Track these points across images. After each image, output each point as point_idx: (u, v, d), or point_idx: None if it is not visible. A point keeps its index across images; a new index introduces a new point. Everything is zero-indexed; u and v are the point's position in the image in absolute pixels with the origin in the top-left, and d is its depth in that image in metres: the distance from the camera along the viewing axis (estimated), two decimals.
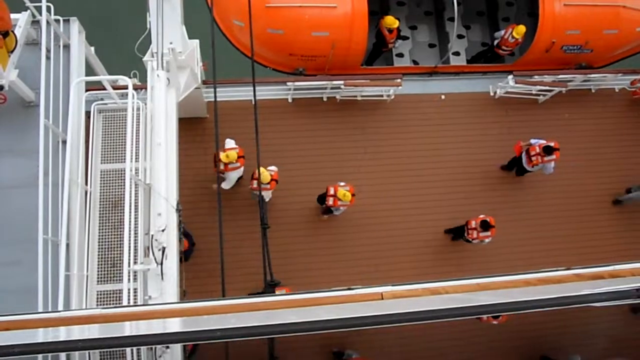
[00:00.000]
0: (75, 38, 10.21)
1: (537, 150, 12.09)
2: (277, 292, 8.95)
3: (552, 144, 11.99)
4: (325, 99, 13.57)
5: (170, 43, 9.32)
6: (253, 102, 9.04)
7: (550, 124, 14.08)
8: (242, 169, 11.52)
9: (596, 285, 5.54)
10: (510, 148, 13.64)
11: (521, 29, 13.05)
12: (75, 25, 10.29)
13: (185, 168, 11.26)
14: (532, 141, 12.25)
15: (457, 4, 12.77)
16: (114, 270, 9.46)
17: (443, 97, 14.05)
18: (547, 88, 13.72)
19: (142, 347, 7.75)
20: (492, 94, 14.13)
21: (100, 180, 9.94)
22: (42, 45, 9.56)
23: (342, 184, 11.66)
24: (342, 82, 12.86)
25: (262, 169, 10.99)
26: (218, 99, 8.97)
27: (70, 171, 8.79)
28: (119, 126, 10.37)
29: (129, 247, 8.21)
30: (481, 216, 11.92)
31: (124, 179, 8.45)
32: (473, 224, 11.96)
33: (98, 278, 9.44)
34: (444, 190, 13.41)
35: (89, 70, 11.29)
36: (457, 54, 14.80)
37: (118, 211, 9.68)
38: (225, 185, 11.78)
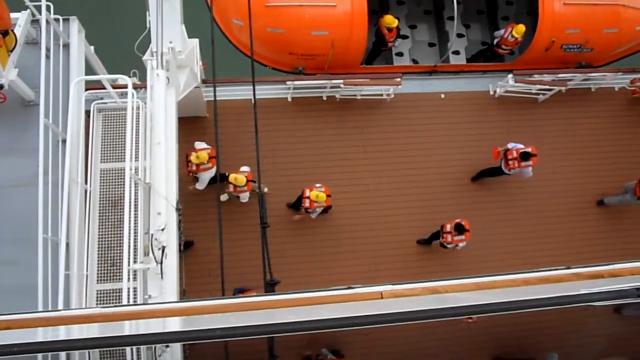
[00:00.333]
0: (74, 37, 10.21)
1: (515, 154, 12.01)
2: (243, 295, 9.06)
3: (529, 150, 11.92)
4: (324, 98, 13.57)
5: (170, 42, 9.32)
6: (253, 101, 9.03)
7: (550, 122, 14.08)
8: (214, 169, 11.44)
9: (595, 285, 5.53)
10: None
11: (521, 28, 13.05)
12: (74, 25, 10.29)
13: (185, 167, 11.26)
14: (510, 145, 12.17)
15: (457, 3, 12.76)
16: (113, 269, 9.47)
17: (443, 96, 14.05)
18: (546, 87, 13.72)
19: (141, 346, 7.76)
20: (491, 93, 14.13)
21: (100, 180, 9.95)
22: (41, 45, 9.56)
23: (317, 185, 11.63)
24: (341, 81, 12.86)
25: (234, 175, 11.05)
26: (218, 98, 8.96)
27: (70, 170, 8.80)
28: (118, 125, 10.38)
29: (129, 246, 8.22)
30: (457, 220, 11.82)
31: (124, 178, 8.46)
32: (448, 227, 11.87)
33: (98, 277, 9.46)
34: (445, 189, 13.42)
35: (89, 70, 11.29)
36: (456, 53, 14.80)
37: (118, 210, 9.69)
38: (199, 186, 11.82)
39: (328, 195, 11.56)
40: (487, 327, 11.73)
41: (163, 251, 8.31)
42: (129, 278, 8.21)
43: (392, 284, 5.67)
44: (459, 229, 11.66)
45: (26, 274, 8.32)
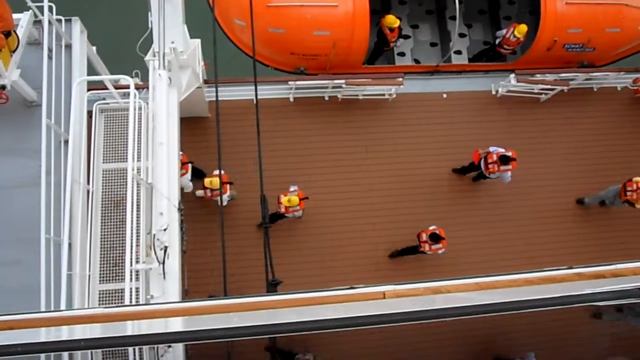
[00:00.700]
0: (77, 38, 10.23)
1: (494, 158, 11.90)
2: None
3: (509, 154, 11.78)
4: (326, 98, 13.57)
5: (172, 42, 9.34)
6: (255, 102, 9.04)
7: (552, 122, 14.07)
8: (189, 174, 11.50)
9: (597, 285, 5.53)
10: (513, 147, 13.62)
11: (523, 28, 13.03)
12: (77, 25, 10.30)
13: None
14: (491, 149, 12.07)
15: (459, 2, 12.75)
16: (116, 269, 9.48)
17: (445, 96, 14.04)
18: (549, 87, 13.70)
19: (144, 347, 7.76)
20: (494, 92, 14.12)
21: (102, 180, 9.96)
22: (44, 45, 9.56)
23: (292, 189, 11.60)
24: (343, 81, 12.85)
25: (209, 178, 11.06)
26: (220, 99, 8.98)
27: (72, 171, 8.80)
28: (120, 126, 10.38)
29: (131, 246, 8.22)
30: (431, 227, 11.75)
31: (126, 179, 8.47)
32: (424, 236, 11.80)
33: (100, 277, 9.46)
34: (447, 188, 13.41)
35: (91, 70, 11.28)
36: (458, 52, 14.79)
37: (120, 210, 9.70)
38: (186, 189, 11.85)
39: (302, 199, 11.49)
40: (466, 330, 11.72)
41: (165, 251, 8.32)
42: (131, 278, 8.22)
43: (395, 284, 5.67)
44: (434, 238, 11.56)
45: (29, 274, 8.33)
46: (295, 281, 10.84)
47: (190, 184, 11.72)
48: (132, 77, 9.99)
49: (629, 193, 12.34)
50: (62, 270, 8.26)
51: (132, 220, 8.30)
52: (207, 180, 11.20)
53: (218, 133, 8.71)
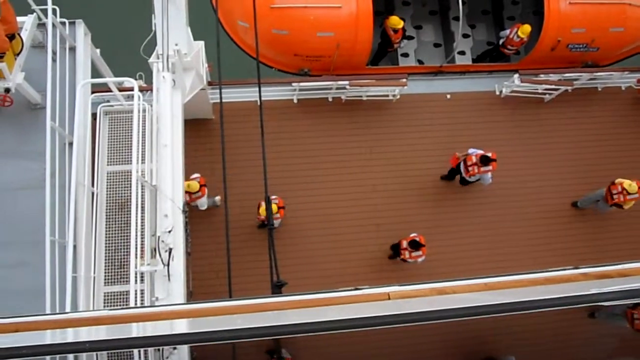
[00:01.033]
0: (81, 40, 10.27)
1: (474, 160, 11.72)
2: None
3: (489, 155, 11.60)
4: (330, 100, 13.56)
5: (176, 44, 9.33)
6: (258, 103, 9.04)
7: (556, 122, 14.04)
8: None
9: (603, 285, 5.51)
10: (517, 147, 13.63)
11: (526, 28, 13.01)
12: (81, 28, 10.35)
13: (192, 170, 11.27)
14: (470, 151, 11.93)
15: (462, 3, 12.75)
16: (121, 271, 9.49)
17: (449, 96, 14.02)
18: (553, 87, 13.66)
19: (149, 349, 7.77)
20: (497, 93, 14.09)
21: (107, 182, 9.98)
22: (48, 48, 9.61)
23: (273, 197, 11.39)
24: (347, 82, 12.85)
25: (186, 182, 11.02)
26: (223, 100, 8.98)
27: (76, 173, 8.84)
28: (125, 128, 10.41)
29: (136, 248, 8.23)
30: (412, 235, 11.57)
31: (131, 181, 8.49)
32: (404, 243, 11.64)
33: (105, 279, 9.48)
34: (450, 189, 13.37)
35: (95, 73, 11.33)
36: (462, 53, 14.78)
37: (124, 213, 9.72)
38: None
39: (281, 207, 11.39)
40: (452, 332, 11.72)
41: (170, 253, 8.33)
42: (136, 280, 8.23)
43: (399, 285, 5.67)
44: (414, 245, 11.41)
45: (34, 276, 8.36)
46: (298, 282, 10.84)
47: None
48: (136, 79, 10.04)
49: (615, 196, 12.13)
50: (67, 273, 8.28)
51: (136, 223, 8.31)
52: (185, 184, 11.16)
53: (222, 135, 8.71)
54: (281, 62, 13.41)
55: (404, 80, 12.94)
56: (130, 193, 8.51)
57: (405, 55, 14.73)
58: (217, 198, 12.15)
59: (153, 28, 9.66)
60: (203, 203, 11.54)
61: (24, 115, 9.67)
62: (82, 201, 9.00)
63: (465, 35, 14.82)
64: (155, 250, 8.39)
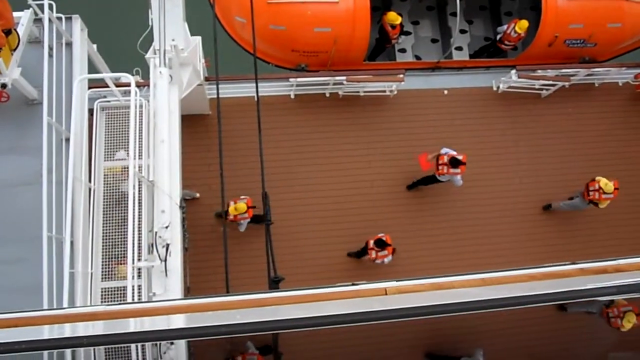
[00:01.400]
0: (77, 36, 10.24)
1: (445, 160, 11.58)
2: None
3: (460, 157, 11.47)
4: (327, 95, 13.55)
5: (173, 40, 9.32)
6: (256, 99, 9.03)
7: (554, 118, 14.06)
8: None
9: (600, 280, 5.53)
10: (514, 143, 13.63)
11: (524, 23, 12.99)
12: (77, 23, 10.31)
13: (189, 165, 11.27)
14: (443, 151, 11.74)
15: None
16: (118, 267, 9.49)
17: (446, 92, 14.01)
18: (550, 82, 13.66)
19: (146, 343, 7.78)
20: (495, 88, 14.08)
21: (104, 178, 9.97)
22: (44, 43, 9.57)
23: (242, 197, 11.38)
24: (344, 77, 12.82)
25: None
26: (221, 96, 8.98)
27: (73, 168, 8.81)
28: (122, 123, 10.39)
29: (133, 244, 8.24)
30: (379, 235, 11.41)
31: (128, 176, 8.48)
32: (371, 243, 11.44)
33: (102, 275, 9.48)
34: (447, 184, 13.38)
35: (92, 68, 11.29)
36: (459, 48, 14.75)
37: (122, 208, 9.71)
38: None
39: (250, 207, 11.26)
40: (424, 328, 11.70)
41: (167, 249, 8.33)
42: (133, 276, 8.23)
43: (397, 280, 5.68)
44: (380, 244, 11.24)
45: (31, 272, 8.35)
46: (293, 278, 10.86)
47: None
48: (132, 74, 10.02)
49: (591, 193, 11.96)
50: (65, 268, 8.27)
51: (134, 218, 8.31)
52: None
53: (219, 130, 8.71)
54: (278, 58, 13.38)
55: (402, 75, 12.92)
56: (127, 189, 8.49)
57: (403, 50, 14.70)
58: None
59: (150, 23, 9.66)
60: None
61: (20, 111, 9.64)
62: (79, 197, 8.99)
63: (462, 31, 14.80)
64: (152, 245, 8.40)
